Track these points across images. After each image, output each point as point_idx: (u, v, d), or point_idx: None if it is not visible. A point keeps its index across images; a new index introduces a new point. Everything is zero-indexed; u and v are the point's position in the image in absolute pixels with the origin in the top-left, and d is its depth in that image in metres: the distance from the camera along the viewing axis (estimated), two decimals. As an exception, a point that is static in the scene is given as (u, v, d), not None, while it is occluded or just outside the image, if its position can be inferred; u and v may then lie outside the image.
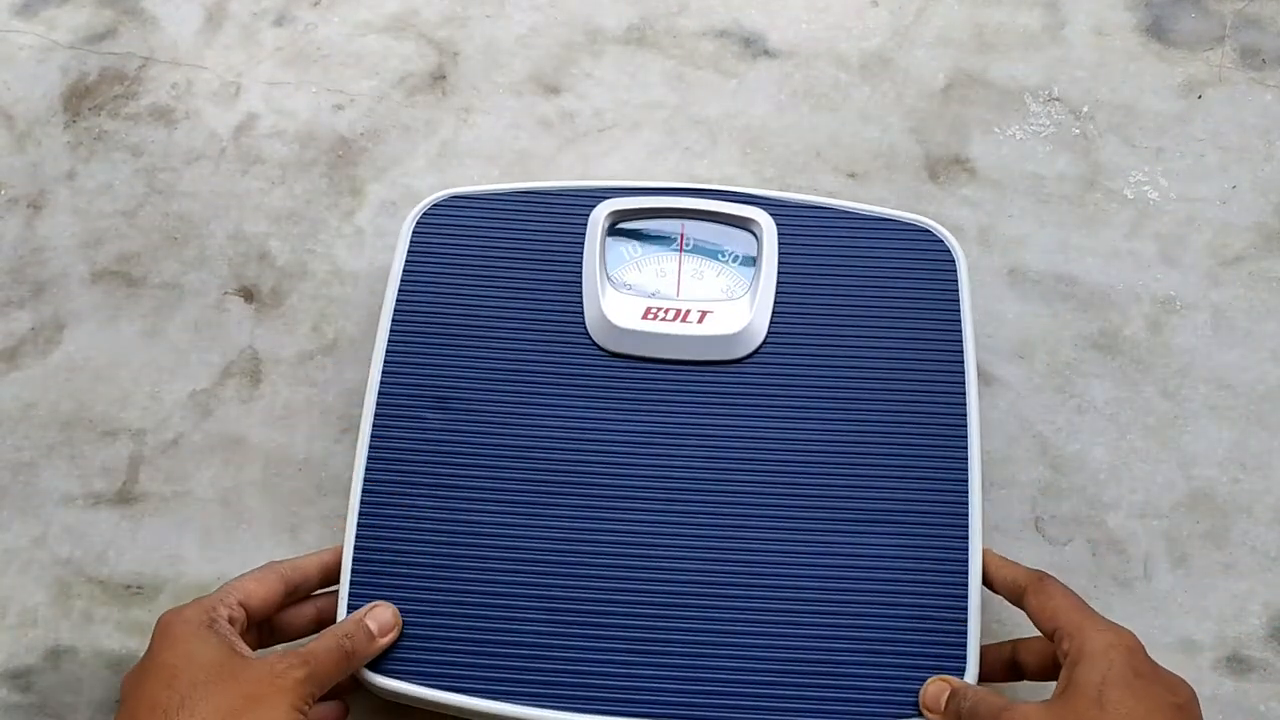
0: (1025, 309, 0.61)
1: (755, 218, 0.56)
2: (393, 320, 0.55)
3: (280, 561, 0.50)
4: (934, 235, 0.57)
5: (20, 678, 0.54)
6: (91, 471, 0.58)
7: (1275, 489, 0.57)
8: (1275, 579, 0.55)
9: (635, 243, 0.57)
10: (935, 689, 0.48)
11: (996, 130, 0.66)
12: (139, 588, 0.55)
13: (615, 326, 0.54)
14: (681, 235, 0.57)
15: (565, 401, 0.53)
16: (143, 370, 0.60)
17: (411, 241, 0.56)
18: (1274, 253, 0.62)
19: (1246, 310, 0.61)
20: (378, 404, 0.53)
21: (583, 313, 0.55)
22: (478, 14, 0.70)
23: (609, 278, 0.56)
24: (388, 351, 0.54)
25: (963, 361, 0.54)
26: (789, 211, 0.57)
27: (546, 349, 0.54)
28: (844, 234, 0.57)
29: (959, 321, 0.55)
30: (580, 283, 0.55)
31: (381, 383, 0.53)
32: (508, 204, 0.58)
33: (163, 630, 0.45)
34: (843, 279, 0.56)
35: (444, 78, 0.68)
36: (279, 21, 0.70)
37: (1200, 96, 0.67)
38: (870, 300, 0.55)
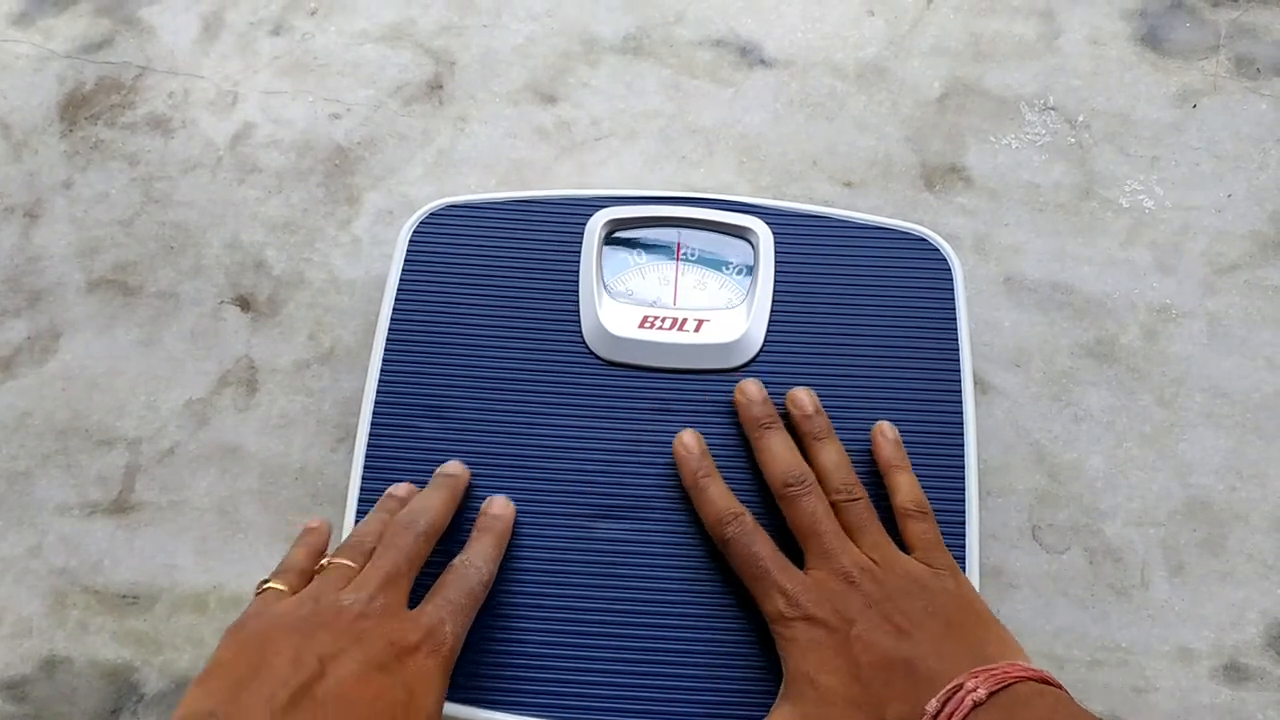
0: (1021, 317, 0.61)
1: (752, 226, 0.56)
2: (389, 329, 0.55)
3: (411, 520, 0.48)
4: (930, 244, 0.57)
5: (15, 688, 0.53)
6: (87, 481, 0.58)
7: (1272, 497, 0.57)
8: (1272, 587, 0.55)
9: (632, 251, 0.57)
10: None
11: (992, 139, 0.66)
12: (135, 597, 0.55)
13: (612, 335, 0.54)
14: (678, 244, 0.57)
15: (562, 410, 0.53)
16: (139, 379, 0.60)
17: (408, 250, 0.57)
18: (1269, 261, 0.63)
19: (1242, 318, 0.61)
20: (374, 413, 0.53)
21: (579, 322, 0.55)
22: (474, 24, 0.70)
23: (606, 286, 0.56)
24: (384, 361, 0.54)
25: (959, 370, 0.54)
26: (785, 220, 0.57)
27: (543, 358, 0.54)
28: (840, 243, 0.57)
29: (955, 330, 0.55)
30: (577, 292, 0.55)
31: (378, 392, 0.53)
32: (504, 213, 0.58)
33: (424, 682, 0.42)
34: (839, 288, 0.56)
35: (441, 87, 0.68)
36: (276, 31, 0.70)
37: (1195, 105, 0.67)
38: (867, 309, 0.55)
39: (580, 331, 0.54)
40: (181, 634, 0.54)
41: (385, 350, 0.54)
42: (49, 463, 0.58)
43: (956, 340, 0.55)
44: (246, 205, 0.65)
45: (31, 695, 0.53)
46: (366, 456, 0.52)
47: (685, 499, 0.51)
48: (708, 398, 0.53)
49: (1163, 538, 0.56)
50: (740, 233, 0.57)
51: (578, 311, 0.55)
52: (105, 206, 0.65)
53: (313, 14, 0.71)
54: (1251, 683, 0.54)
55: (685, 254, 0.57)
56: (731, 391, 0.53)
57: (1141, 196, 0.64)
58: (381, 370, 0.54)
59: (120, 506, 0.57)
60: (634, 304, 0.55)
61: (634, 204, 0.57)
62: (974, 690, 0.39)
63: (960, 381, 0.54)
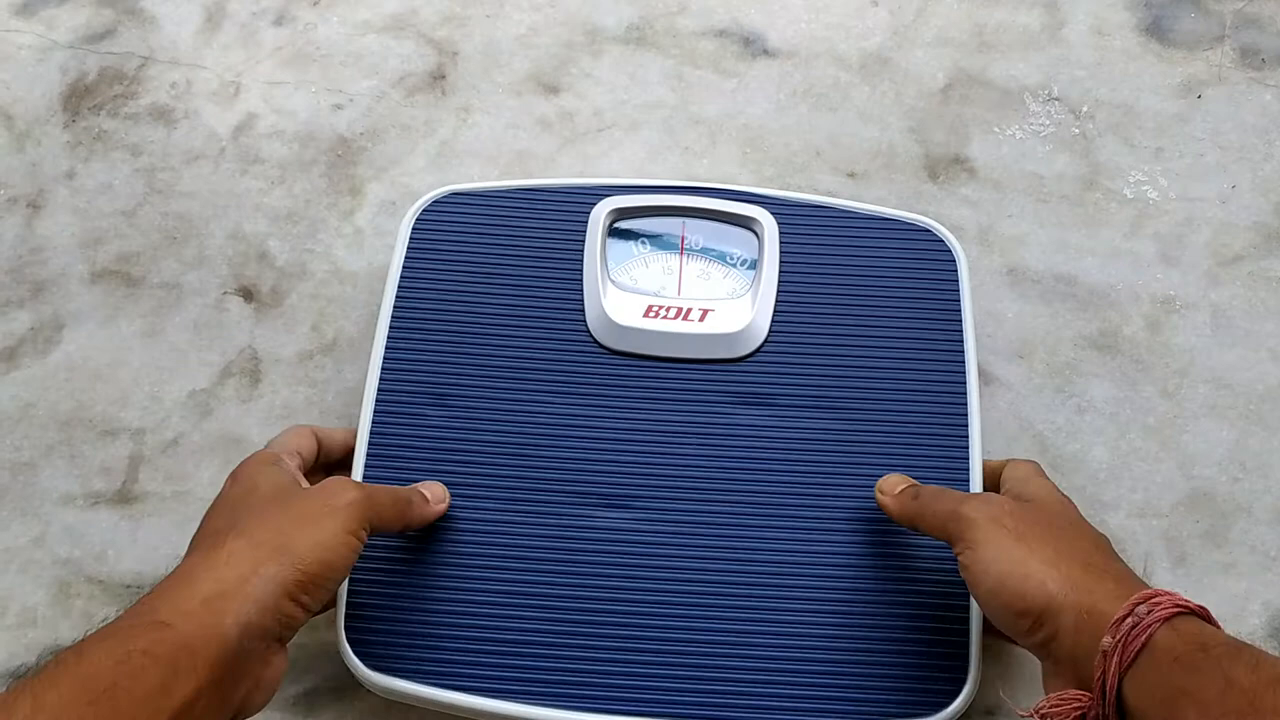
0: (1025, 309, 0.61)
1: (757, 216, 0.56)
2: (392, 318, 0.55)
3: (305, 425, 0.52)
4: (935, 235, 0.57)
5: (20, 678, 0.53)
6: (91, 471, 0.58)
7: (1275, 488, 0.57)
8: (1275, 578, 0.55)
9: (637, 241, 0.57)
10: (895, 478, 0.49)
11: (996, 130, 0.66)
12: (139, 587, 0.55)
13: (616, 324, 0.54)
14: (683, 234, 0.57)
15: (567, 399, 0.53)
16: (142, 370, 0.60)
17: (411, 238, 0.56)
18: (1273, 252, 0.62)
19: (1246, 310, 0.61)
20: (376, 402, 0.53)
21: (584, 310, 0.55)
22: (477, 14, 0.70)
23: (610, 276, 0.56)
24: (387, 349, 0.54)
25: (964, 362, 0.54)
26: (790, 210, 0.57)
27: (548, 347, 0.54)
28: (845, 233, 0.57)
29: (960, 322, 0.55)
30: (581, 280, 0.55)
31: (381, 379, 0.53)
32: (508, 201, 0.57)
33: (234, 471, 0.46)
34: (844, 278, 0.56)
35: (443, 77, 0.68)
36: (278, 21, 0.70)
37: (1200, 96, 0.67)
38: (871, 300, 0.55)
39: (584, 320, 0.54)
40: (185, 624, 0.55)
41: (388, 339, 0.54)
42: (53, 453, 0.58)
43: (961, 332, 0.55)
44: (249, 196, 0.65)
45: (36, 685, 0.53)
46: (370, 444, 0.52)
47: (687, 487, 0.51)
48: (712, 388, 0.53)
49: (1166, 529, 0.56)
50: (745, 223, 0.57)
51: (582, 300, 0.55)
52: (108, 197, 0.65)
53: (315, 4, 0.71)
54: (1254, 674, 0.54)
55: (690, 244, 0.57)
56: (735, 381, 0.53)
57: (1146, 187, 0.64)
58: (384, 359, 0.54)
59: (124, 497, 0.57)
60: (638, 293, 0.55)
61: (638, 193, 0.57)
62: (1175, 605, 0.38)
63: (965, 373, 0.54)
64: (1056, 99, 0.67)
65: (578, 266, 0.56)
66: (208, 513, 0.45)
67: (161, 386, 0.60)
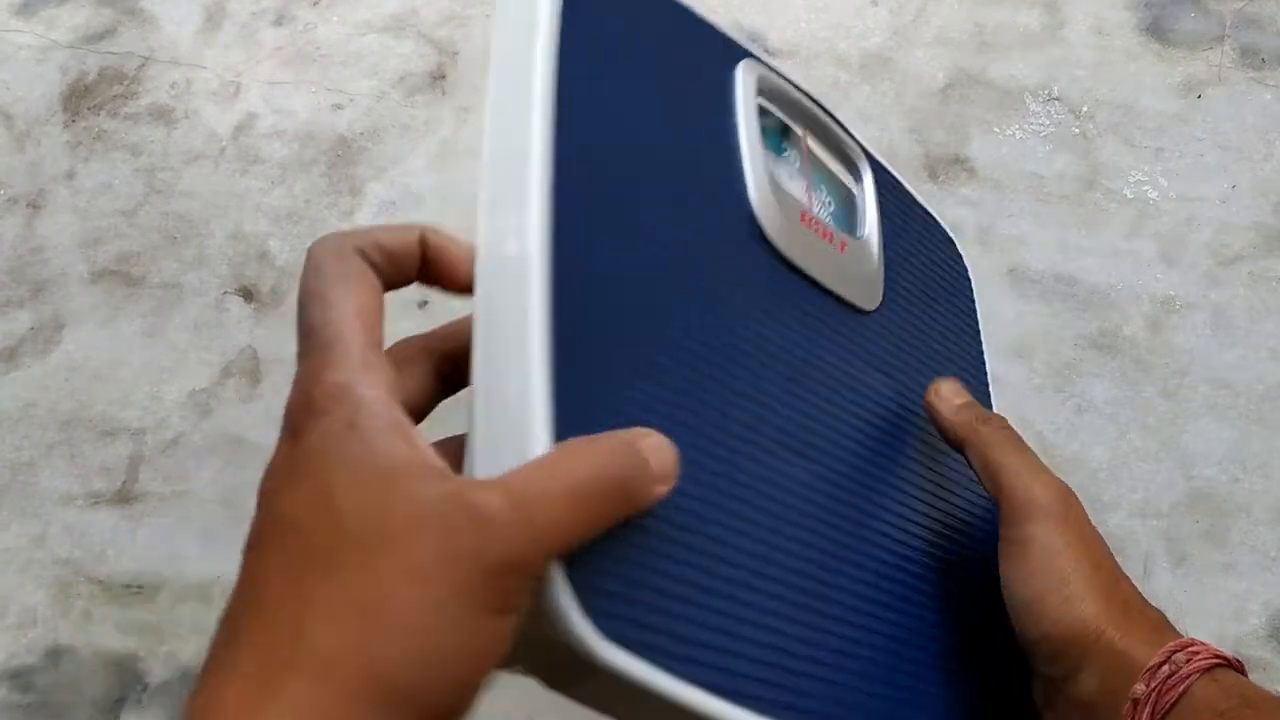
0: (1025, 308, 0.61)
1: (861, 161, 0.44)
2: (557, 152, 0.31)
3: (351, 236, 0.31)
4: (956, 249, 0.52)
5: (20, 677, 0.54)
6: (91, 471, 0.58)
7: (1275, 488, 0.57)
8: (1275, 578, 0.55)
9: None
10: (955, 385, 0.41)
11: (996, 130, 0.66)
12: (139, 587, 0.55)
13: (787, 221, 0.37)
14: (806, 146, 0.42)
15: (732, 299, 0.35)
16: (142, 370, 0.60)
17: (563, 28, 0.33)
18: (1273, 252, 0.62)
19: (1246, 310, 0.61)
20: (553, 295, 0.28)
21: (747, 191, 0.37)
22: (477, 13, 0.70)
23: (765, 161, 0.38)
24: (557, 190, 0.30)
25: (986, 377, 0.51)
26: (875, 169, 0.45)
27: (707, 224, 0.35)
28: (903, 210, 0.48)
29: (979, 335, 0.52)
30: (739, 152, 0.37)
31: (556, 244, 0.29)
32: (658, 11, 0.39)
33: (287, 427, 0.28)
34: (904, 254, 0.46)
35: (443, 77, 0.68)
36: (278, 21, 0.70)
37: (1200, 96, 0.67)
38: (923, 289, 0.47)
39: (750, 204, 0.37)
40: (185, 624, 0.55)
41: (555, 177, 0.31)
42: (53, 453, 0.58)
43: (980, 346, 0.52)
44: (249, 196, 0.65)
45: (36, 685, 0.53)
46: (556, 371, 0.28)
47: (852, 445, 0.38)
48: (846, 334, 0.40)
49: (1165, 529, 0.56)
50: (854, 160, 0.44)
51: (743, 177, 0.37)
52: (108, 197, 0.65)
53: (315, 4, 0.71)
54: (1254, 674, 0.54)
55: (811, 160, 0.42)
56: (863, 333, 0.41)
57: (1146, 187, 0.64)
58: (554, 208, 0.30)
59: (124, 497, 0.57)
60: (791, 193, 0.39)
61: (779, 77, 0.43)
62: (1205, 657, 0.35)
63: (986, 381, 0.51)
64: (1056, 99, 0.67)
65: (730, 133, 0.38)
66: (248, 555, 0.26)
67: (161, 386, 0.60)
